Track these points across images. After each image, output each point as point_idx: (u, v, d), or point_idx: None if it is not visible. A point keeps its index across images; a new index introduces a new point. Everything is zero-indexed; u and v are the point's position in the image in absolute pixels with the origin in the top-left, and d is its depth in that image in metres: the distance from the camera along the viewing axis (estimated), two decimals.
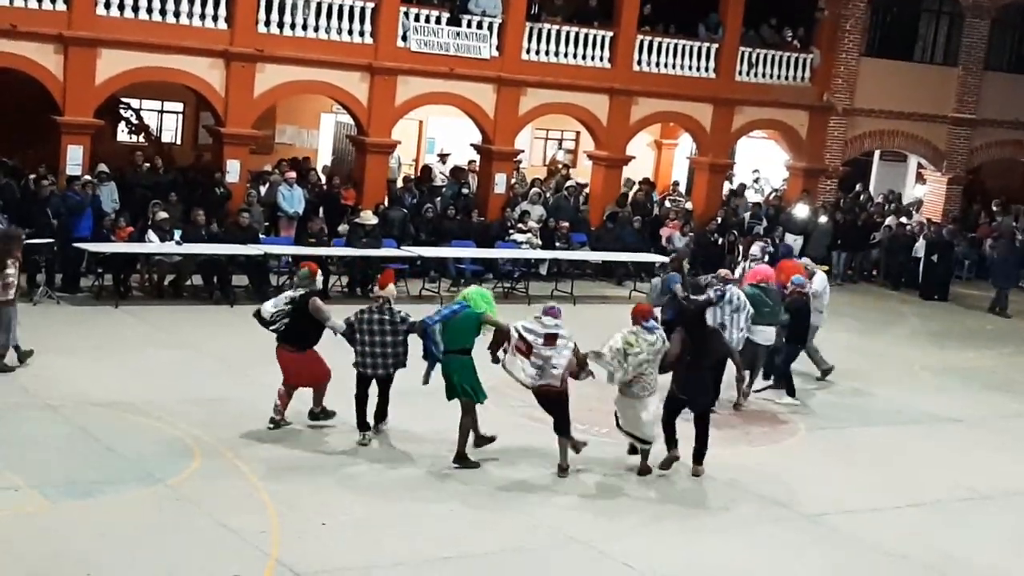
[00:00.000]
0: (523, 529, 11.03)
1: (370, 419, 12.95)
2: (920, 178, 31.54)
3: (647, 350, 12.33)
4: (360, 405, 12.89)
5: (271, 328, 13.03)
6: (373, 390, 12.94)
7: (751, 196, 29.00)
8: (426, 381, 12.59)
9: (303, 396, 13.20)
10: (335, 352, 13.14)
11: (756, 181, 30.36)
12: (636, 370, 12.31)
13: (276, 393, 13.02)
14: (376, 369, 12.79)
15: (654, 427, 12.60)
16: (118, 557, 9.59)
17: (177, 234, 19.02)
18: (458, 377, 12.40)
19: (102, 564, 9.44)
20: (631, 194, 26.37)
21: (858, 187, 30.04)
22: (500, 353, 12.42)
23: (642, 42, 25.66)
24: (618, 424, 12.81)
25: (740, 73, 26.85)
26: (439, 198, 24.01)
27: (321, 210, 22.23)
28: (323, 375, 13.15)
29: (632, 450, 12.96)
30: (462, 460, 12.44)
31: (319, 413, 13.29)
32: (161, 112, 25.54)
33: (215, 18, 21.41)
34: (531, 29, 24.42)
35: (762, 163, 30.93)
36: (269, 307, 13.09)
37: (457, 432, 12.46)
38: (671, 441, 12.70)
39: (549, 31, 24.66)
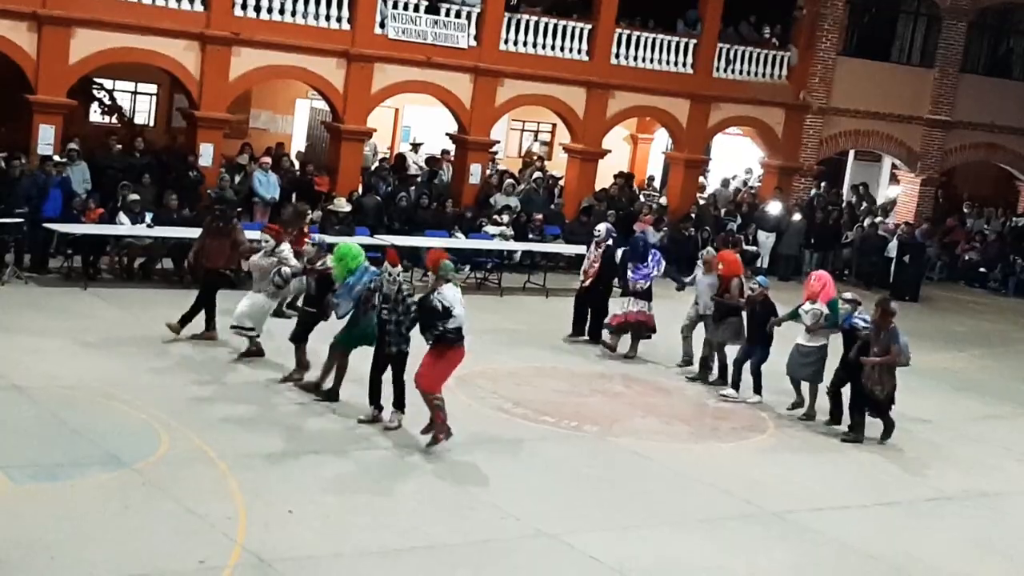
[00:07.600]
0: (491, 521, 10.98)
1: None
2: (894, 178, 31.67)
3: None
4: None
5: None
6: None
7: (730, 189, 29.13)
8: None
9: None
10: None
11: (734, 178, 30.38)
12: None
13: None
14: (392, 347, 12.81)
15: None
16: (82, 541, 9.48)
17: (148, 217, 18.87)
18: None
19: (66, 547, 9.33)
20: (609, 189, 26.38)
21: (823, 185, 30.11)
22: None
23: (620, 36, 25.65)
24: None
25: (717, 69, 26.88)
26: (412, 187, 23.94)
27: (294, 196, 22.11)
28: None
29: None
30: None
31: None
32: (134, 93, 25.34)
33: (191, 0, 21.26)
34: (510, 20, 24.36)
35: (737, 160, 31.00)
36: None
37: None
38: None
39: (528, 22, 24.62)
